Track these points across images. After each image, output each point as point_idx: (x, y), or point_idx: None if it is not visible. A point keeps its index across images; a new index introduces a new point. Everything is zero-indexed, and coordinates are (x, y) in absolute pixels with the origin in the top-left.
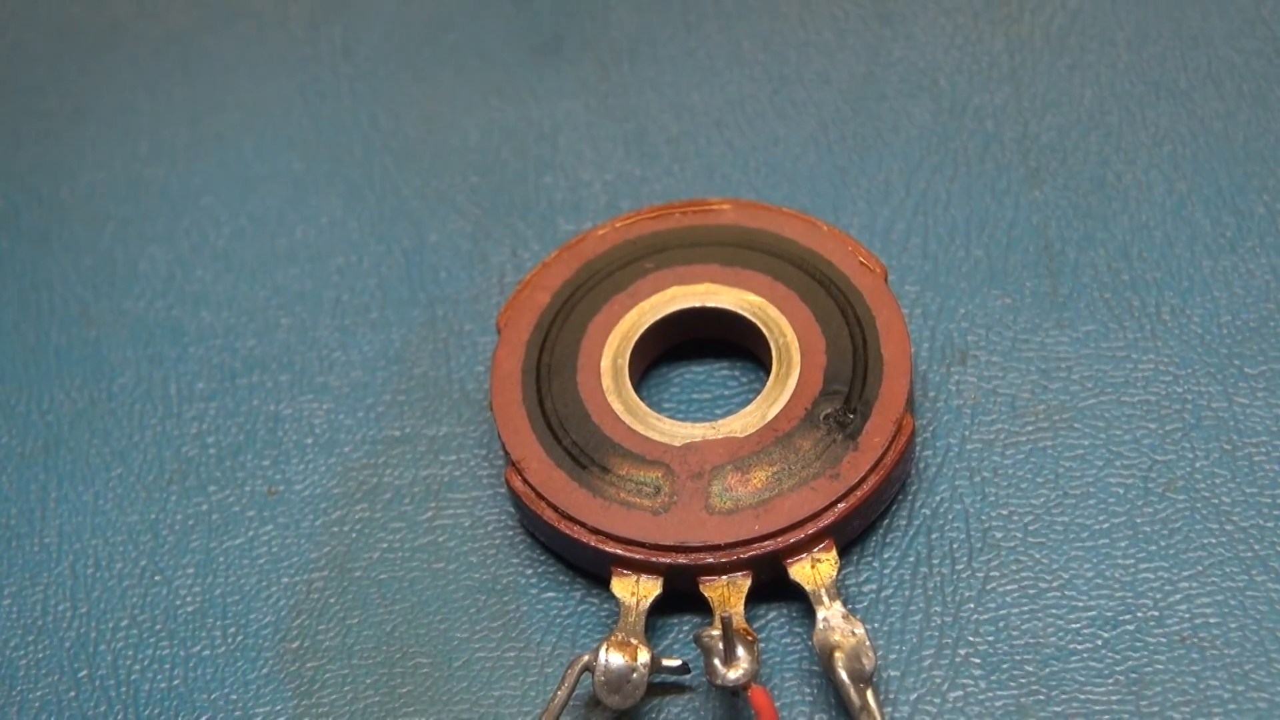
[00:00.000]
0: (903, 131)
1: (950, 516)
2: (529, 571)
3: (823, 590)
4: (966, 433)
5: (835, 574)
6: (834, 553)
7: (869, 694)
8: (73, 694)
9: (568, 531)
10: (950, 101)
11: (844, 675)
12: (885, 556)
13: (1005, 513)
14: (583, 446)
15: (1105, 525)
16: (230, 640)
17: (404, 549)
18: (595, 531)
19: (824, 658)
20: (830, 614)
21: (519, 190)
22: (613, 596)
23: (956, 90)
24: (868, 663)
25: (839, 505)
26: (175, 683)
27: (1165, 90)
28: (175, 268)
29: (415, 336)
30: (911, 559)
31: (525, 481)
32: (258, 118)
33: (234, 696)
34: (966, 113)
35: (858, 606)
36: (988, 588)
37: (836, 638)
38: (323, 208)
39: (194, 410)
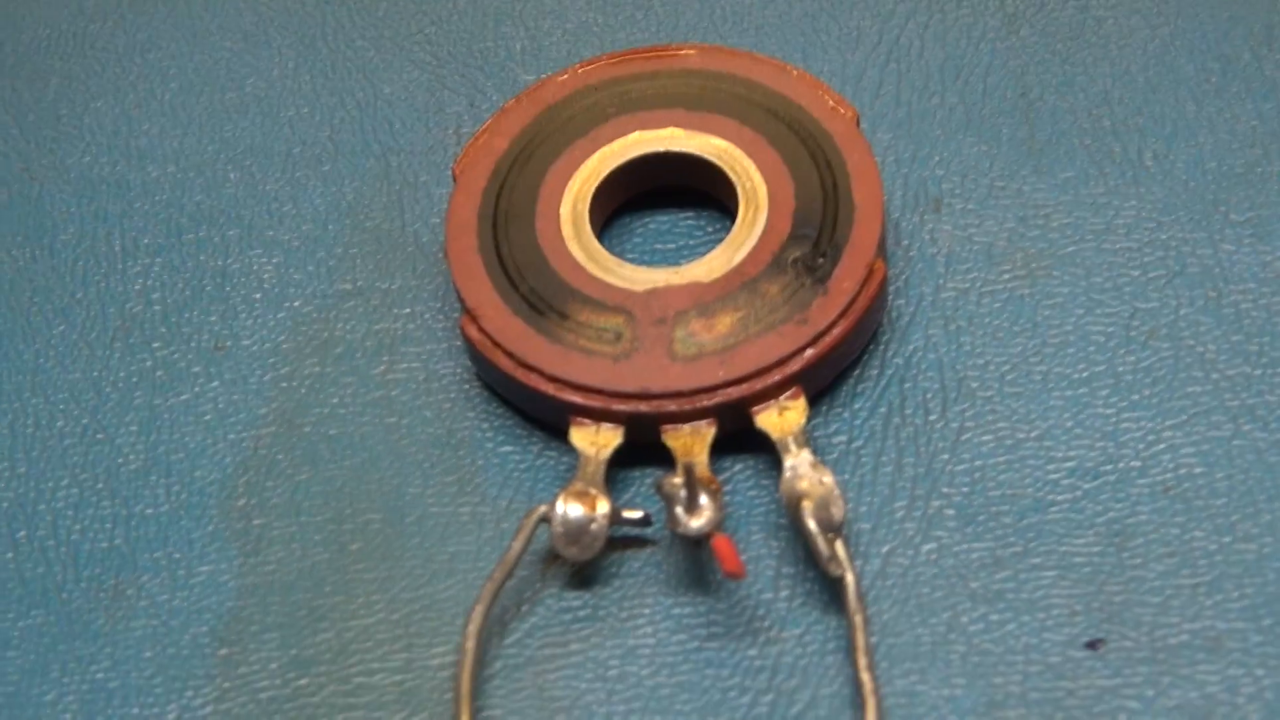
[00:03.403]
0: None
1: (924, 366)
2: (485, 425)
3: (790, 438)
4: (941, 281)
5: (803, 422)
6: (802, 400)
7: (838, 545)
8: (10, 555)
9: (525, 380)
10: None
11: (812, 524)
12: (856, 407)
13: (981, 362)
14: (541, 293)
15: (1085, 374)
16: (174, 498)
17: (355, 404)
18: (553, 379)
19: (791, 507)
20: (798, 462)
21: (477, 40)
22: (572, 450)
23: None
24: (837, 512)
25: (807, 351)
26: (117, 542)
27: None
28: (121, 123)
29: (368, 189)
30: (883, 409)
31: (481, 330)
32: None
33: (177, 555)
34: None
35: (827, 458)
36: (962, 438)
37: (804, 486)
38: (273, 60)
39: (139, 266)
